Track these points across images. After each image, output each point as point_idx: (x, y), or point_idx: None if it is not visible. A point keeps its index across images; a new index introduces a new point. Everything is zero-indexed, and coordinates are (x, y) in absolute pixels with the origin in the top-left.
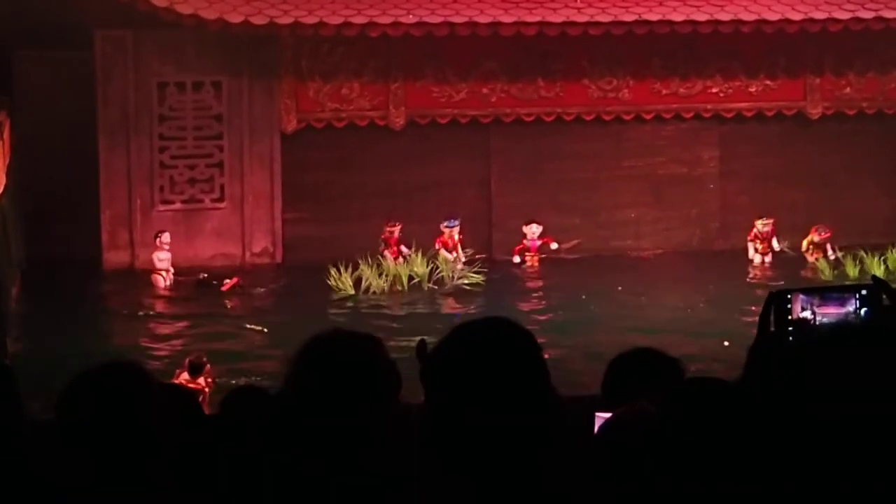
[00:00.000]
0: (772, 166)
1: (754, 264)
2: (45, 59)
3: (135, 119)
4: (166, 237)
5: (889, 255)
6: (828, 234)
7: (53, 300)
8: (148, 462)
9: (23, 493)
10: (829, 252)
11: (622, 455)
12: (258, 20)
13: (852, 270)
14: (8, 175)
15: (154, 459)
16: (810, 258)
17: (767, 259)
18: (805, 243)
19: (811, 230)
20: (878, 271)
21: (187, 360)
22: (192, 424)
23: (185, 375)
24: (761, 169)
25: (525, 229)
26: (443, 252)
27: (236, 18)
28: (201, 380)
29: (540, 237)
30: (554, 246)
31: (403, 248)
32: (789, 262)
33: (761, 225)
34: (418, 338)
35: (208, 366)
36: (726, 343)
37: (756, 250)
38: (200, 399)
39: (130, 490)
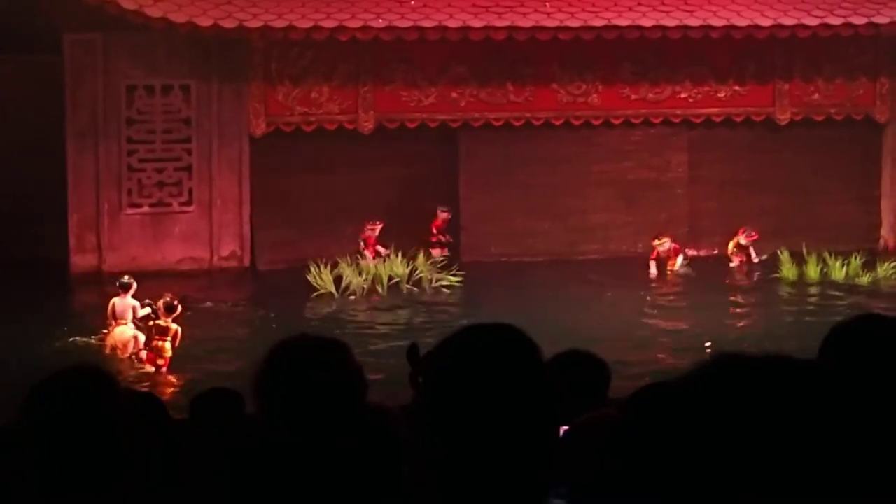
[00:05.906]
0: (741, 172)
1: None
2: (14, 62)
3: (103, 122)
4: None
5: (852, 261)
6: (755, 237)
7: (19, 303)
8: (113, 467)
9: None
10: (753, 255)
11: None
12: (227, 23)
13: (814, 273)
14: None
15: (119, 464)
16: (735, 261)
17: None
18: (731, 245)
19: (739, 231)
20: (840, 275)
21: (161, 302)
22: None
23: (162, 316)
24: (730, 174)
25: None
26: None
27: (206, 22)
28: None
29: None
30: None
31: (381, 248)
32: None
33: (657, 243)
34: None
35: (180, 308)
36: (708, 344)
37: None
38: (172, 336)
39: (95, 496)
